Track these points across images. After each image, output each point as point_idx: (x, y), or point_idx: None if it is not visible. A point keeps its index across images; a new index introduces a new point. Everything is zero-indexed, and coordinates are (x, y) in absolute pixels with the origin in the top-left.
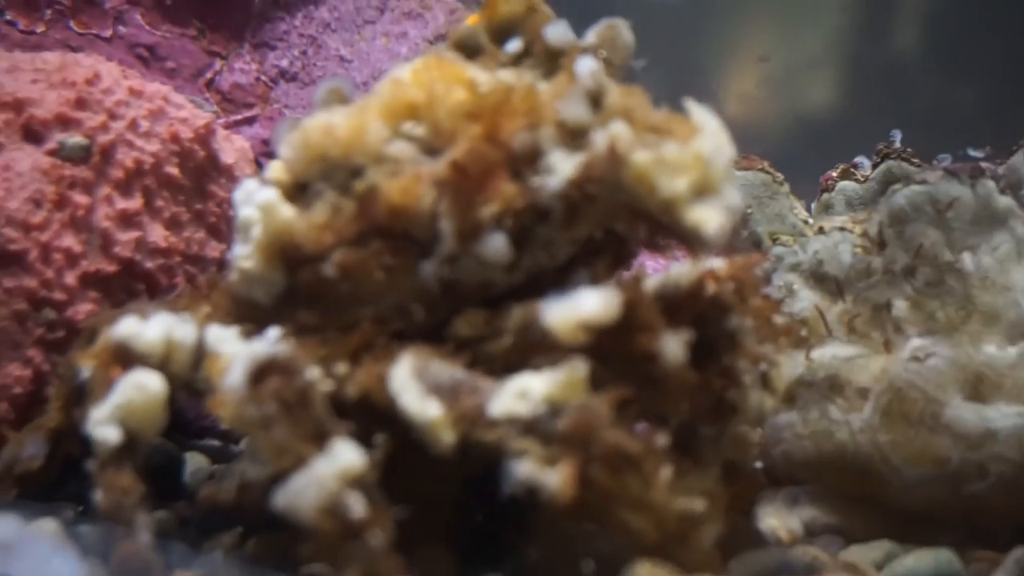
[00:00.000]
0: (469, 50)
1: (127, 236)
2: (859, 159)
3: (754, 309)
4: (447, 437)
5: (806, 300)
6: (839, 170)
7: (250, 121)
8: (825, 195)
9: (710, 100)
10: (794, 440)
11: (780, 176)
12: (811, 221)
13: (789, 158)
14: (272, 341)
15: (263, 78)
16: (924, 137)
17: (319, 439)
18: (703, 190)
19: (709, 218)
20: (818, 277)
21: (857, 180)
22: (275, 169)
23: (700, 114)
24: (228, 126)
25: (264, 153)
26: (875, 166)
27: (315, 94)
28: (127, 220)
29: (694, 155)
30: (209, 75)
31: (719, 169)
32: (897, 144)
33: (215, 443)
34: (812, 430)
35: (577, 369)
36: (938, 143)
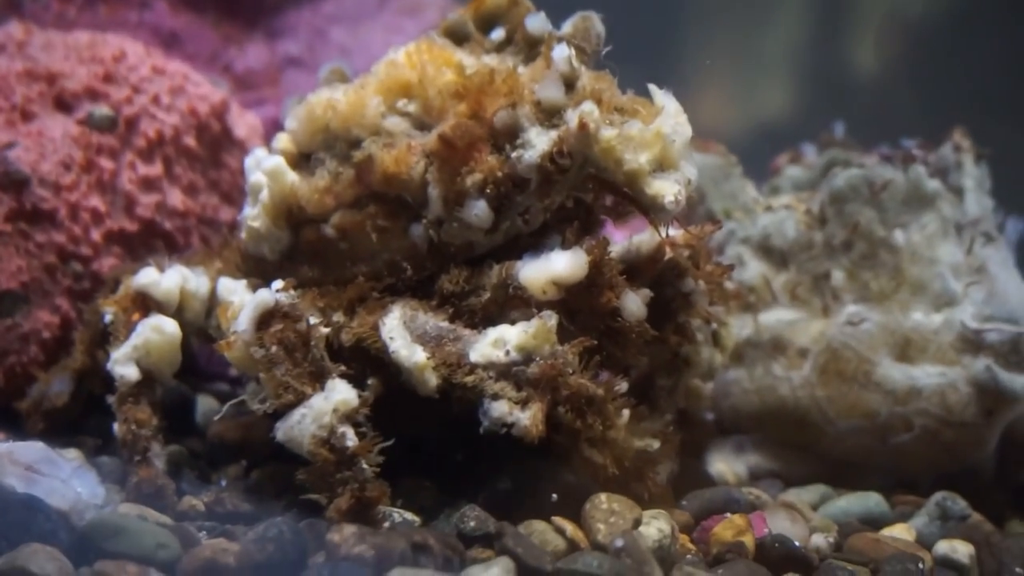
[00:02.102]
0: (457, 37)
1: (148, 199)
2: (805, 147)
3: (707, 274)
4: (431, 380)
5: (754, 269)
6: (787, 156)
7: (261, 102)
8: (774, 178)
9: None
10: (741, 394)
11: (734, 159)
12: (761, 199)
13: (744, 146)
14: (276, 290)
15: (273, 64)
16: (863, 132)
17: (317, 378)
18: (663, 165)
19: (667, 189)
20: (765, 249)
21: (803, 166)
22: (282, 140)
23: (662, 97)
24: (242, 105)
25: (274, 131)
26: (819, 153)
27: (319, 73)
28: (149, 184)
29: (655, 133)
30: (225, 60)
31: (678, 147)
32: (839, 135)
33: (224, 387)
34: (757, 385)
35: (548, 321)
36: (876, 137)
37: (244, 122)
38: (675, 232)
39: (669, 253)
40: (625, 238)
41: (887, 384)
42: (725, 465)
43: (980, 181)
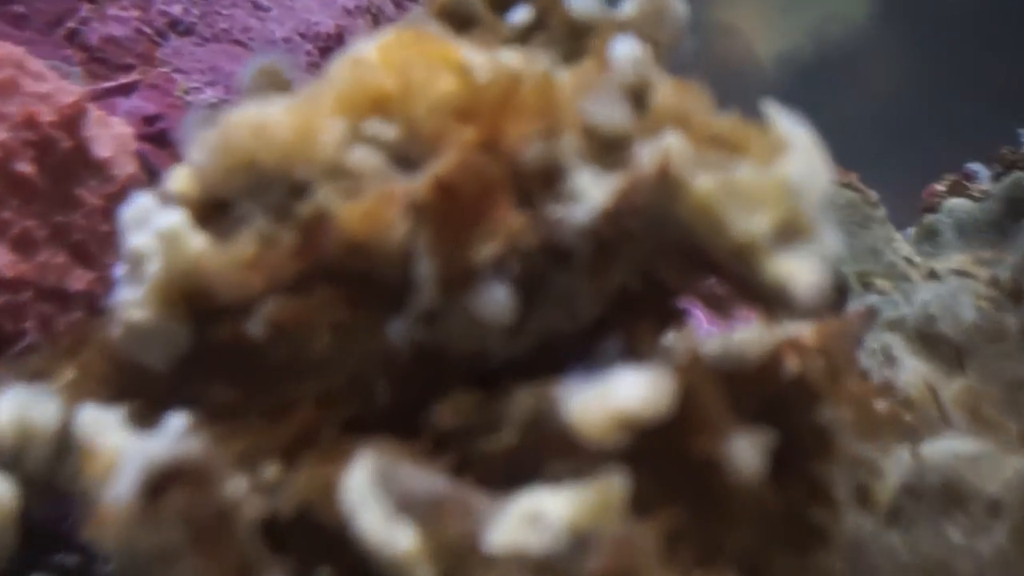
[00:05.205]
0: (459, 19)
1: None
2: (973, 167)
3: (851, 395)
4: None
5: (911, 372)
6: (947, 183)
7: (128, 90)
8: (928, 217)
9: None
10: (895, 571)
11: (873, 195)
12: (917, 259)
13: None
14: (177, 434)
15: (147, 30)
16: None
17: None
18: (791, 232)
19: (799, 272)
20: (928, 340)
21: (972, 197)
22: (183, 180)
23: (785, 124)
24: (97, 96)
25: (146, 136)
26: (997, 177)
27: (241, 75)
28: None
29: (778, 182)
30: (72, 24)
31: (813, 203)
32: None
33: (71, 560)
34: (922, 557)
35: (612, 485)
36: None
37: (108, 133)
38: (799, 327)
39: (792, 362)
40: (707, 323)
41: None
42: None
43: None
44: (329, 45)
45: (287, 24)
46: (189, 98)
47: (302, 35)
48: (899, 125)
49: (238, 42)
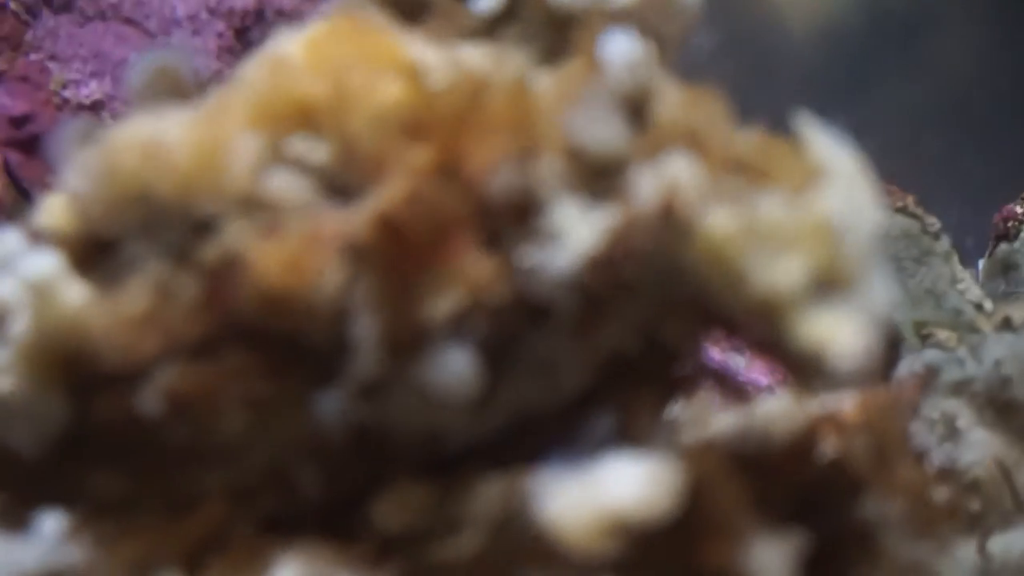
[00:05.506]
0: (409, 5)
1: None
2: None
3: (902, 483)
4: None
5: (979, 448)
6: None
7: None
8: (1003, 247)
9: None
10: None
11: (934, 223)
12: (988, 304)
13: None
14: (51, 539)
15: (12, 4)
16: None
17: None
18: (829, 282)
19: (839, 333)
20: (1001, 407)
21: None
22: (58, 212)
23: (823, 144)
24: None
25: (12, 142)
26: None
27: (130, 74)
28: None
29: (814, 220)
30: None
31: (858, 245)
32: None
33: None
34: None
35: None
36: None
37: None
38: (839, 398)
39: (830, 444)
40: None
41: None
42: None
43: None
44: (246, 24)
45: (192, 1)
46: (67, 94)
47: (211, 11)
48: (971, 122)
49: (130, 21)
